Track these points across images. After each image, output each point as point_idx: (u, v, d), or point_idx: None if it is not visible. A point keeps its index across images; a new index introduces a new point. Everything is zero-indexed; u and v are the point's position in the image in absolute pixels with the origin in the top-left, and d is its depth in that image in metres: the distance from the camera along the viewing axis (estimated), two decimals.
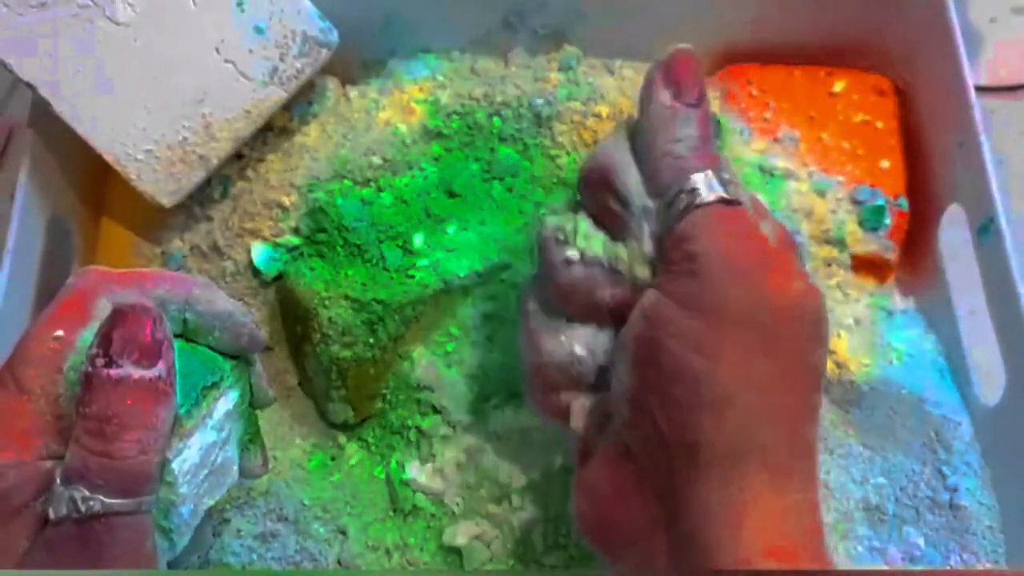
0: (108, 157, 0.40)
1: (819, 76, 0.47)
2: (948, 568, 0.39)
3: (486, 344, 0.40)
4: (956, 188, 0.43)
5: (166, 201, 0.41)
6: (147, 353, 0.26)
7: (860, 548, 0.39)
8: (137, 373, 0.25)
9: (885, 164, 0.45)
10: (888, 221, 0.44)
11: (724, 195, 0.28)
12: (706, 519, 0.26)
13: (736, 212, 0.29)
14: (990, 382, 0.41)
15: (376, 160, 0.42)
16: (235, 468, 0.33)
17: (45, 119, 0.40)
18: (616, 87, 0.45)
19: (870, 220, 0.43)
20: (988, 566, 0.39)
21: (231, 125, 0.41)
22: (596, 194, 0.31)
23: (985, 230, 0.40)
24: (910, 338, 0.44)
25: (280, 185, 0.42)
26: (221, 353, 0.31)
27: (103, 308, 0.27)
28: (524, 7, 0.47)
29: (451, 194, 0.42)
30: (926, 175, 0.45)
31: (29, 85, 0.38)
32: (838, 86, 0.47)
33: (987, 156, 0.40)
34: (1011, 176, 0.50)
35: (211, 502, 0.31)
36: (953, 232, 0.44)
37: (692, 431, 0.27)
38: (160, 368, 0.26)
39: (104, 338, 0.26)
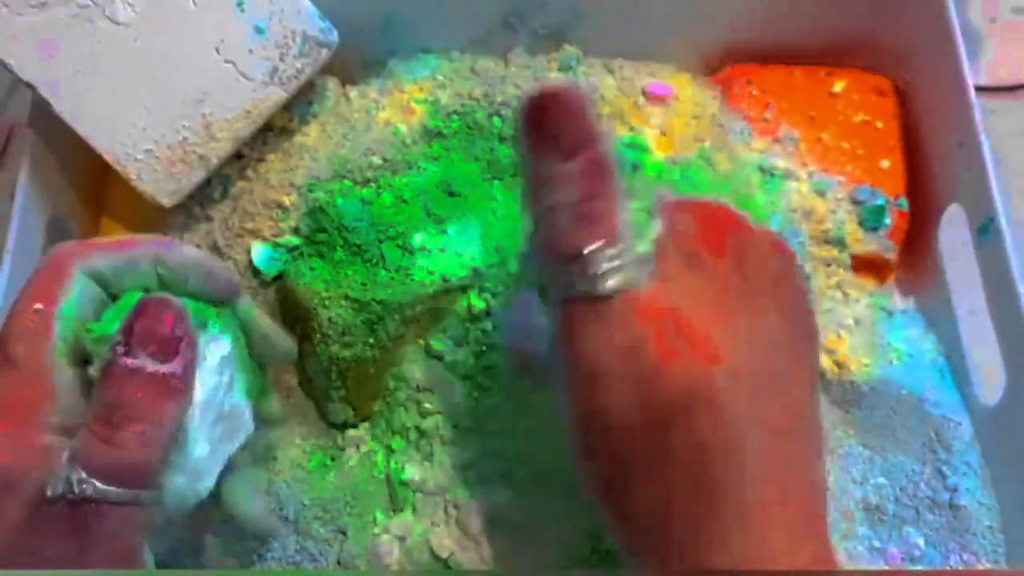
0: (108, 157, 0.40)
1: (819, 76, 0.47)
2: (948, 568, 0.39)
3: (485, 343, 0.40)
4: (956, 188, 0.43)
5: (166, 201, 0.41)
6: (164, 347, 0.26)
7: (860, 548, 0.39)
8: (152, 366, 0.26)
9: (885, 164, 0.45)
10: (888, 221, 0.44)
11: (591, 290, 0.24)
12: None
13: (607, 309, 0.24)
14: (990, 382, 0.41)
15: (376, 160, 0.42)
16: (247, 416, 0.33)
17: (45, 119, 0.40)
18: (616, 87, 0.45)
19: (870, 220, 0.43)
20: (988, 566, 0.39)
21: (231, 125, 0.41)
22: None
23: (985, 230, 0.40)
24: (910, 338, 0.44)
25: (280, 185, 0.42)
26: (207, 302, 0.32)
27: (78, 277, 0.28)
28: (524, 7, 0.47)
29: (451, 194, 0.42)
30: (926, 175, 0.45)
31: (29, 85, 0.38)
32: (838, 86, 0.47)
33: (987, 156, 0.40)
34: (1011, 176, 0.50)
35: (231, 448, 0.32)
36: (953, 232, 0.44)
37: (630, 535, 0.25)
38: (176, 365, 0.26)
39: (127, 328, 0.26)
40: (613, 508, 0.26)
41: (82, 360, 0.28)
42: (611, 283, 0.24)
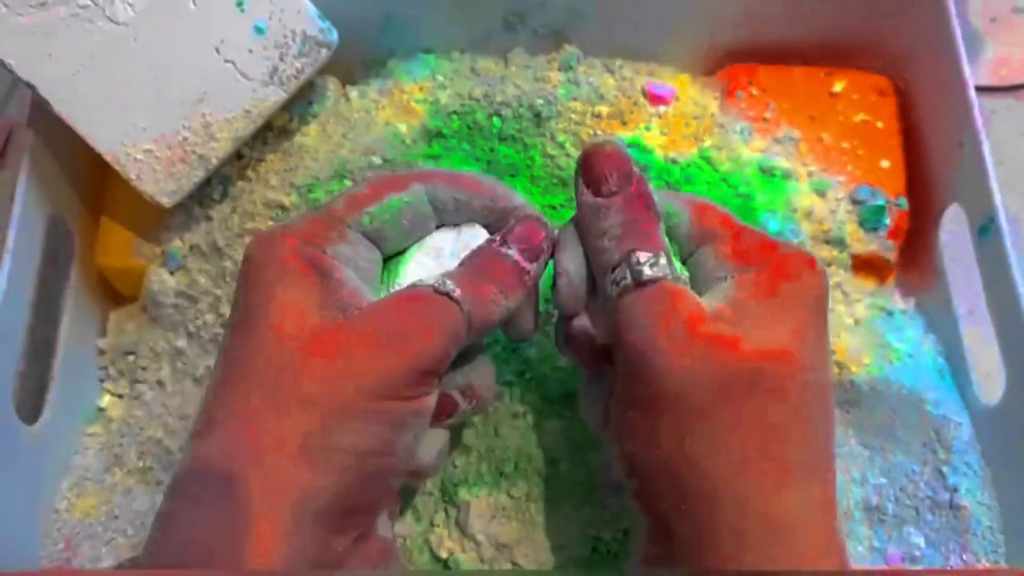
0: (108, 157, 0.40)
1: (819, 76, 0.47)
2: (948, 568, 0.39)
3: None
4: (956, 188, 0.43)
5: (166, 201, 0.41)
6: (529, 251, 0.32)
7: (860, 548, 0.39)
8: (516, 257, 0.32)
9: (885, 164, 0.45)
10: (888, 221, 0.44)
11: (643, 277, 0.29)
12: None
13: (656, 292, 0.29)
14: (990, 382, 0.41)
15: (376, 160, 0.42)
16: None
17: (45, 119, 0.40)
18: (616, 87, 0.45)
19: (870, 220, 0.43)
20: (988, 566, 0.39)
21: (231, 125, 0.41)
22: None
23: (985, 230, 0.40)
24: (910, 338, 0.44)
25: (280, 185, 0.42)
26: None
27: (415, 188, 0.33)
28: (524, 7, 0.47)
29: None
30: (926, 175, 0.45)
31: (29, 85, 0.38)
32: (838, 86, 0.47)
33: (987, 156, 0.40)
34: (1011, 176, 0.50)
35: None
36: (953, 232, 0.44)
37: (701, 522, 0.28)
38: (531, 267, 0.32)
39: (510, 229, 0.33)
40: (652, 458, 0.29)
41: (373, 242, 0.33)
42: (653, 273, 0.30)
